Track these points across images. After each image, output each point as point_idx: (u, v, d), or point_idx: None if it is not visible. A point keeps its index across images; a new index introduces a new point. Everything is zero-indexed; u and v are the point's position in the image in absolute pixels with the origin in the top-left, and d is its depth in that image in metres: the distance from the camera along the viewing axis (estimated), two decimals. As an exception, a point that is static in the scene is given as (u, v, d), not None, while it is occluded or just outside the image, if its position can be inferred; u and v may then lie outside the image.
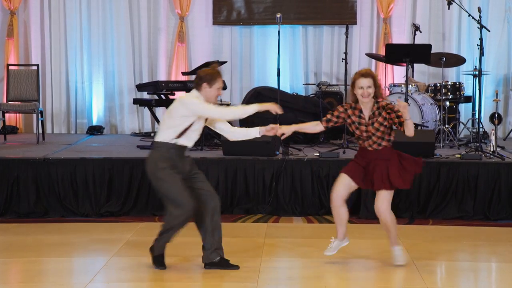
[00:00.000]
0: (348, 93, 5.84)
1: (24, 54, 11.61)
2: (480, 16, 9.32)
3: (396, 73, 11.34)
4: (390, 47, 9.85)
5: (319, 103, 10.12)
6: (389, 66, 11.19)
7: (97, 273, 6.01)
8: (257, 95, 10.25)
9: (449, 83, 10.37)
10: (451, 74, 11.39)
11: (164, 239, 5.99)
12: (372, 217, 8.06)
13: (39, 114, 10.19)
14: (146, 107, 10.72)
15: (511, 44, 11.47)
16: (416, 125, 9.54)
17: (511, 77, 11.43)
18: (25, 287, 5.77)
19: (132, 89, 11.45)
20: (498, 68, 11.46)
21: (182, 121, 5.87)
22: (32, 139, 10.23)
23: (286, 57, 11.52)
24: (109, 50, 11.65)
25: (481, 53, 9.31)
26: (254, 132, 6.13)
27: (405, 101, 9.27)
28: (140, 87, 10.36)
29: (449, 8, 10.09)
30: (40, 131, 10.24)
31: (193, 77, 10.12)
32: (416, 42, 10.46)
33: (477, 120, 9.90)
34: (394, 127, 5.90)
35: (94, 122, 11.67)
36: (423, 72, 11.37)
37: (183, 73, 10.88)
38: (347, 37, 10.44)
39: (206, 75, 5.95)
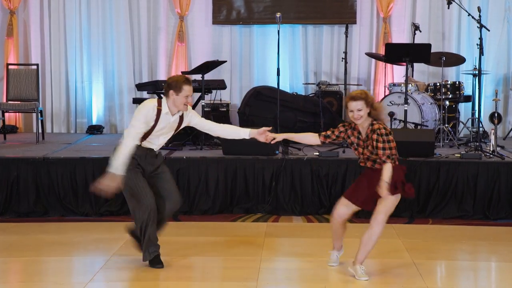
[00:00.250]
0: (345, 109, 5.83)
1: (23, 54, 11.61)
2: (479, 16, 9.31)
3: (395, 73, 11.34)
4: (389, 47, 9.85)
5: (319, 102, 10.12)
6: (388, 65, 11.19)
7: (97, 272, 6.02)
8: (256, 94, 10.24)
9: (449, 82, 10.36)
10: (451, 74, 11.39)
11: (147, 244, 5.99)
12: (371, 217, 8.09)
13: (39, 114, 10.20)
14: (145, 107, 10.71)
15: (510, 44, 11.46)
16: (415, 125, 9.55)
17: (510, 76, 11.43)
18: (25, 287, 5.77)
19: (132, 89, 11.45)
20: (498, 68, 11.46)
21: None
22: (31, 139, 10.23)
23: (286, 56, 11.52)
24: (109, 50, 11.65)
25: (481, 53, 9.30)
26: (243, 133, 6.15)
27: (404, 100, 9.27)
28: (140, 87, 10.37)
29: (448, 8, 10.08)
30: (40, 130, 10.24)
31: (193, 77, 10.15)
32: (416, 41, 10.46)
33: (476, 119, 9.90)
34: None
35: (94, 121, 11.67)
36: (422, 72, 11.37)
37: (183, 73, 10.87)
38: (346, 36, 10.45)
39: (172, 81, 5.95)
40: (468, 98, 10.61)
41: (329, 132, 5.96)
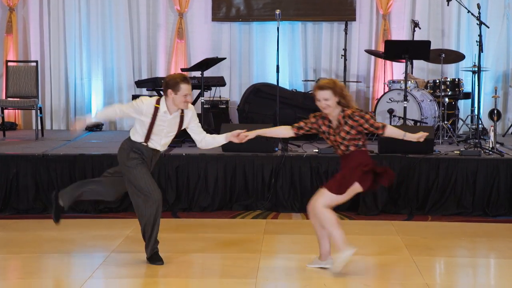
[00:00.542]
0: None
1: (23, 51, 11.60)
2: (479, 13, 9.31)
3: (395, 70, 11.34)
4: (389, 44, 9.85)
5: (318, 99, 10.09)
6: (388, 62, 11.18)
7: (96, 269, 6.02)
8: (256, 91, 10.24)
9: (448, 79, 10.35)
10: (450, 71, 11.38)
11: (154, 240, 6.01)
12: (370, 214, 8.10)
13: (38, 111, 10.19)
14: (145, 104, 10.70)
15: (510, 41, 11.46)
16: (415, 122, 9.54)
17: (510, 73, 11.43)
18: (24, 283, 5.77)
19: (131, 86, 11.44)
20: (497, 65, 11.45)
21: (139, 125, 5.98)
22: (31, 135, 10.23)
23: (285, 53, 11.51)
24: (108, 47, 11.64)
25: (480, 50, 9.29)
26: (220, 139, 6.14)
27: (404, 97, 9.28)
28: (139, 84, 10.36)
29: (448, 5, 10.07)
30: (39, 127, 10.23)
31: (192, 74, 10.15)
32: (415, 38, 10.46)
33: (476, 116, 9.90)
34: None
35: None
36: (422, 69, 11.36)
37: (182, 70, 10.86)
38: (346, 33, 10.45)
39: (170, 80, 5.94)
40: (467, 95, 10.61)
41: (302, 124, 5.96)
